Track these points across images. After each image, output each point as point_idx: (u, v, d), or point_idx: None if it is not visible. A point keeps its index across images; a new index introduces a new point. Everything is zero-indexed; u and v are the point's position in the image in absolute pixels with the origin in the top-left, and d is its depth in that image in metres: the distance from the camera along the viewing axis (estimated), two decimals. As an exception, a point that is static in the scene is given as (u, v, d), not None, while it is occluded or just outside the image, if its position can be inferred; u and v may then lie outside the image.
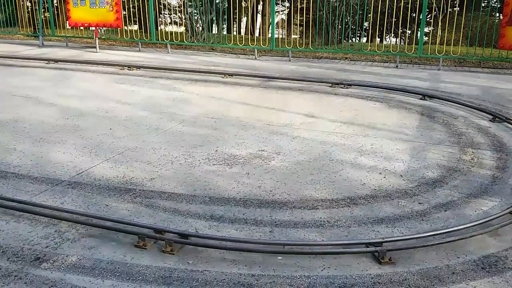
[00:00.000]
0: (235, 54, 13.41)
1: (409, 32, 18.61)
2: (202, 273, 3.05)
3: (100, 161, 4.96)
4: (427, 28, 12.89)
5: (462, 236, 3.41)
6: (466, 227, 3.50)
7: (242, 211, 3.89)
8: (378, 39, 13.39)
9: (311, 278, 3.01)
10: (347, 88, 8.57)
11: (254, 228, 3.62)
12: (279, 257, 3.23)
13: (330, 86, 8.62)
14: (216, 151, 5.27)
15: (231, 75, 9.56)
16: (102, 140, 5.62)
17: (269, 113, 6.89)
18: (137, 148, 5.36)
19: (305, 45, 12.62)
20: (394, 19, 14.03)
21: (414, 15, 11.42)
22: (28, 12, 15.99)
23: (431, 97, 7.75)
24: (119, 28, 13.40)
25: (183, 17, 14.96)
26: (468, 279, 2.99)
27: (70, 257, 3.21)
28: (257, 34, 18.81)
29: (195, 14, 14.67)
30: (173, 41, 13.43)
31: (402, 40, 18.56)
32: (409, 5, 10.76)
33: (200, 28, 14.12)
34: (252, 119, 6.55)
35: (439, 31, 13.50)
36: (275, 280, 2.98)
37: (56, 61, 11.16)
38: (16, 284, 2.91)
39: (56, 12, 15.38)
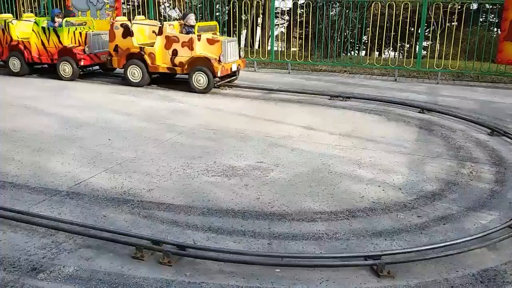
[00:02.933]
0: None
1: (408, 46, 18.74)
2: (199, 285, 3.03)
3: (99, 172, 4.95)
4: (425, 42, 12.97)
5: (461, 250, 3.40)
6: (465, 241, 3.50)
7: (241, 223, 3.87)
8: (377, 53, 13.48)
9: (310, 291, 2.99)
10: (345, 100, 8.60)
11: (252, 240, 3.61)
12: (277, 270, 3.21)
13: (329, 99, 8.66)
14: (215, 162, 5.27)
15: (230, 87, 9.59)
16: (100, 151, 5.62)
17: (268, 125, 6.90)
18: (136, 159, 5.36)
19: (304, 58, 12.68)
20: (393, 33, 14.13)
21: (413, 29, 11.52)
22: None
23: (430, 110, 7.78)
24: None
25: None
26: (467, 293, 2.98)
27: (67, 267, 3.19)
28: (256, 46, 18.92)
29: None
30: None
31: (400, 54, 18.68)
32: (408, 20, 10.86)
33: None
34: (251, 131, 6.56)
35: (438, 46, 13.59)
36: (273, 293, 2.96)
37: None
38: (12, 295, 2.88)
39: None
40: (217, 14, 14.64)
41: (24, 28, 10.81)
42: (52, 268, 3.18)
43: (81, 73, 10.29)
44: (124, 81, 9.71)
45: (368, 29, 13.20)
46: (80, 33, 10.31)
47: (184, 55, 8.98)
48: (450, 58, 11.16)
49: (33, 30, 10.34)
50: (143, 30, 9.97)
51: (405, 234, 3.73)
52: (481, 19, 11.98)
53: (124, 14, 13.74)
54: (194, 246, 3.44)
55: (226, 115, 7.51)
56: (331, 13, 12.96)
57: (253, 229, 3.76)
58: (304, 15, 12.56)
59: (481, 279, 3.13)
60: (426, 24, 11.31)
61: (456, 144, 6.05)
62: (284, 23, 18.79)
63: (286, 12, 19.05)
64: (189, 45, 8.91)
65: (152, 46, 9.26)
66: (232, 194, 4.44)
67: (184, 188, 4.56)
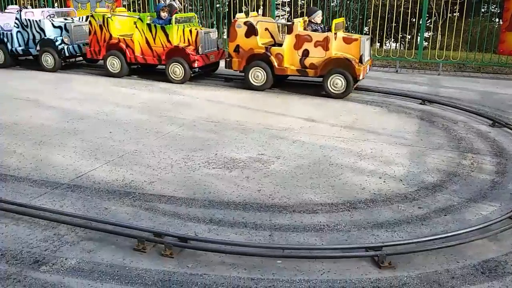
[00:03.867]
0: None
1: (409, 37, 18.65)
2: (201, 277, 3.04)
3: (100, 164, 4.96)
4: (427, 33, 12.91)
5: (462, 241, 3.40)
6: (466, 232, 3.50)
7: (242, 214, 3.88)
8: (378, 44, 13.41)
9: (311, 282, 3.01)
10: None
11: (254, 232, 3.62)
12: (278, 261, 3.22)
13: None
14: (216, 154, 5.27)
15: (231, 79, 9.56)
16: (101, 143, 5.62)
17: (269, 117, 6.89)
18: (137, 152, 5.36)
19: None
20: (394, 24, 14.07)
21: (414, 20, 11.45)
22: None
23: (431, 102, 7.75)
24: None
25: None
26: (468, 284, 2.99)
27: (69, 260, 3.20)
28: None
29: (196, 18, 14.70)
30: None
31: (402, 45, 18.60)
32: (409, 11, 10.79)
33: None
34: (252, 123, 6.55)
35: (439, 36, 13.53)
36: (275, 284, 2.98)
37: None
38: (15, 287, 2.90)
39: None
40: (218, 5, 14.59)
41: (118, 25, 9.75)
42: (54, 260, 3.20)
43: (192, 75, 9.26)
44: (244, 84, 8.75)
45: (369, 20, 13.14)
46: (190, 31, 9.15)
47: (317, 56, 7.97)
48: (452, 49, 11.12)
49: (136, 27, 9.27)
50: (263, 28, 8.86)
51: (406, 225, 3.74)
52: (482, 10, 11.90)
53: (124, 6, 13.69)
54: (195, 238, 3.46)
55: (227, 107, 7.50)
56: (332, 4, 12.88)
57: (254, 221, 3.77)
58: (305, 6, 12.49)
59: (482, 270, 3.14)
60: (427, 15, 11.25)
61: (457, 136, 6.05)
62: (285, 14, 18.70)
63: (286, 3, 18.96)
64: (324, 44, 7.87)
65: (275, 46, 8.45)
66: (233, 186, 4.45)
67: (186, 180, 4.57)
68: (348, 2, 12.02)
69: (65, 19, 10.63)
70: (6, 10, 11.03)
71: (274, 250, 3.31)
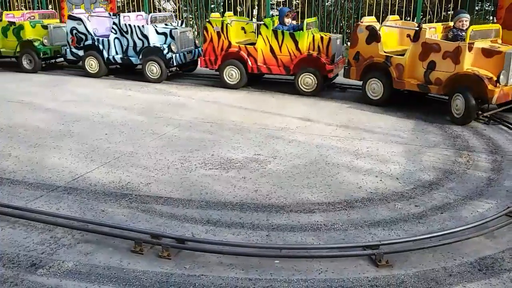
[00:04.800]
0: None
1: (404, 35, 18.66)
2: (199, 278, 3.04)
3: (96, 166, 4.95)
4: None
5: (459, 238, 3.41)
6: (462, 230, 3.51)
7: (239, 215, 3.88)
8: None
9: (308, 281, 3.01)
10: (343, 91, 8.59)
11: (251, 232, 3.62)
12: (276, 261, 3.22)
13: (326, 90, 8.62)
14: (212, 155, 5.27)
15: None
16: (97, 145, 5.61)
17: (265, 117, 6.89)
18: (133, 153, 5.35)
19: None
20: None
21: (409, 19, 11.48)
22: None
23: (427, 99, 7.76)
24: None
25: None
26: (465, 281, 3.00)
27: (66, 262, 3.19)
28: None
29: (190, 19, 14.70)
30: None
31: (397, 43, 18.64)
32: (404, 9, 10.82)
33: (196, 32, 14.13)
34: (248, 123, 6.55)
35: (434, 35, 13.54)
36: (272, 284, 2.98)
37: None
38: (11, 291, 2.89)
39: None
40: (212, 6, 14.56)
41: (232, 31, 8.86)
42: (51, 263, 3.19)
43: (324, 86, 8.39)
44: (363, 98, 7.65)
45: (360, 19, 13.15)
46: (322, 37, 8.15)
47: (444, 69, 6.52)
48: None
49: (260, 33, 8.44)
50: (392, 34, 7.72)
51: (402, 223, 3.75)
52: (476, 8, 11.94)
53: (118, 8, 13.67)
54: (193, 239, 3.45)
55: (223, 107, 7.49)
56: (326, 3, 12.89)
57: (251, 221, 3.77)
58: (300, 6, 12.50)
59: (479, 267, 3.15)
60: (422, 13, 11.27)
61: (453, 133, 6.06)
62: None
63: (281, 3, 18.97)
64: (454, 56, 6.39)
65: (402, 55, 7.08)
66: (230, 186, 4.44)
67: (182, 181, 4.56)
68: (342, 1, 12.03)
69: (166, 25, 9.74)
70: (93, 14, 10.16)
71: (271, 250, 3.32)
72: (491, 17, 12.17)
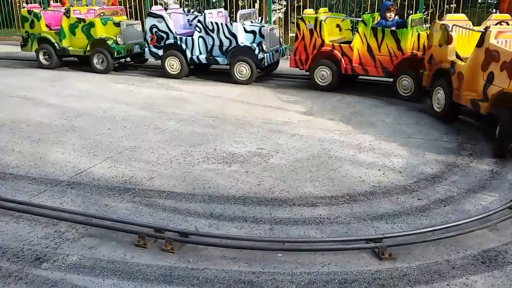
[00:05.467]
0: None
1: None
2: (202, 271, 3.05)
3: (99, 161, 4.95)
4: (424, 26, 12.86)
5: (462, 231, 3.41)
6: (466, 222, 3.51)
7: (242, 209, 3.89)
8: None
9: (312, 274, 3.01)
10: (345, 85, 8.58)
11: (254, 225, 3.62)
12: (279, 254, 3.23)
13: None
14: (215, 149, 5.27)
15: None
16: (100, 140, 5.62)
17: (267, 111, 6.88)
18: (136, 148, 5.36)
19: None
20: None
21: (411, 12, 11.43)
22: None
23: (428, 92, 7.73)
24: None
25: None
26: (469, 274, 3.00)
27: (70, 257, 3.21)
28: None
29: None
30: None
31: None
32: (406, 3, 10.77)
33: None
34: (250, 117, 6.55)
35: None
36: (276, 277, 2.99)
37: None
38: (16, 285, 2.90)
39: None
40: (214, 0, 14.53)
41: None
42: (56, 257, 3.20)
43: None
44: (431, 111, 6.64)
45: (366, 12, 13.10)
46: (419, 34, 7.34)
47: (498, 83, 5.09)
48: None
49: (357, 31, 7.73)
50: (461, 36, 6.72)
51: (405, 216, 3.75)
52: (480, 0, 11.90)
53: (119, 3, 13.63)
54: (196, 232, 3.46)
55: (225, 102, 7.49)
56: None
57: (254, 215, 3.78)
58: (302, 0, 12.45)
59: (482, 260, 3.15)
60: (424, 7, 11.22)
61: (456, 127, 6.05)
62: (282, 8, 18.64)
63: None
64: (510, 68, 4.90)
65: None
66: (232, 180, 4.45)
67: (185, 175, 4.57)
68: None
69: (251, 23, 9.08)
70: (168, 11, 9.48)
71: (274, 244, 3.32)
72: (493, 10, 12.12)
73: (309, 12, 8.53)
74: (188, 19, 9.87)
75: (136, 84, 8.86)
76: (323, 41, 7.94)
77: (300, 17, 8.28)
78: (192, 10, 10.16)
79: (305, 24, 8.04)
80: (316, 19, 7.95)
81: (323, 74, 8.07)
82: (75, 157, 5.07)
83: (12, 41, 15.11)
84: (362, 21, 7.63)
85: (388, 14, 7.69)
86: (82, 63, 10.54)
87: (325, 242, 3.36)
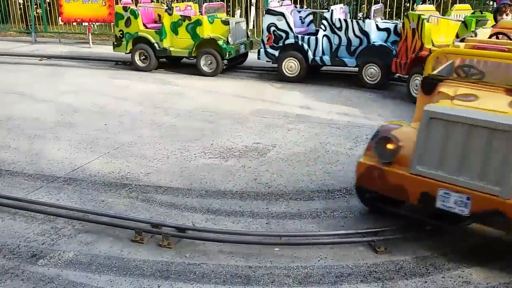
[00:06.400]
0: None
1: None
2: (199, 266, 3.05)
3: (96, 157, 4.95)
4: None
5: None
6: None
7: (239, 203, 3.89)
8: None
9: (308, 268, 3.02)
10: (342, 78, 8.57)
11: (251, 220, 3.63)
12: (276, 249, 3.24)
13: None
14: (212, 144, 5.26)
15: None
16: (97, 136, 5.60)
17: (264, 105, 6.87)
18: (133, 143, 5.35)
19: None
20: (388, 10, 14.01)
21: (408, 4, 11.40)
22: (20, 9, 15.83)
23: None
24: (112, 23, 13.26)
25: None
26: (464, 266, 3.01)
27: (66, 253, 3.21)
28: (251, 26, 18.71)
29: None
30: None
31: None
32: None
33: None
34: (247, 112, 6.53)
35: (434, 21, 13.41)
36: (272, 271, 2.99)
37: (50, 57, 11.07)
38: (13, 281, 2.91)
39: (48, 8, 15.22)
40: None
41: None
42: (52, 254, 3.20)
43: None
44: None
45: (363, 6, 13.07)
46: None
47: None
48: (446, 33, 11.03)
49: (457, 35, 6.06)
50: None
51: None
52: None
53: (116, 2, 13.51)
54: (193, 227, 3.47)
55: (222, 97, 7.47)
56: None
57: (251, 210, 3.78)
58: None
59: (478, 252, 3.16)
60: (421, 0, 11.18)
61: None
62: (279, 1, 18.55)
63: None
64: None
65: None
66: (229, 175, 4.45)
67: (182, 171, 4.57)
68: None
69: (381, 19, 8.11)
70: (270, 7, 8.56)
71: (271, 238, 3.33)
72: (491, 2, 12.09)
73: (422, 8, 7.40)
74: (300, 16, 8.94)
75: (132, 79, 8.82)
76: (422, 44, 6.69)
77: (406, 14, 7.36)
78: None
79: (410, 23, 6.97)
80: (419, 17, 6.78)
81: (417, 84, 6.52)
82: (72, 153, 5.06)
83: (8, 37, 15.03)
84: (463, 22, 6.30)
85: (499, 17, 6.20)
86: (175, 65, 9.68)
87: (321, 236, 3.37)
